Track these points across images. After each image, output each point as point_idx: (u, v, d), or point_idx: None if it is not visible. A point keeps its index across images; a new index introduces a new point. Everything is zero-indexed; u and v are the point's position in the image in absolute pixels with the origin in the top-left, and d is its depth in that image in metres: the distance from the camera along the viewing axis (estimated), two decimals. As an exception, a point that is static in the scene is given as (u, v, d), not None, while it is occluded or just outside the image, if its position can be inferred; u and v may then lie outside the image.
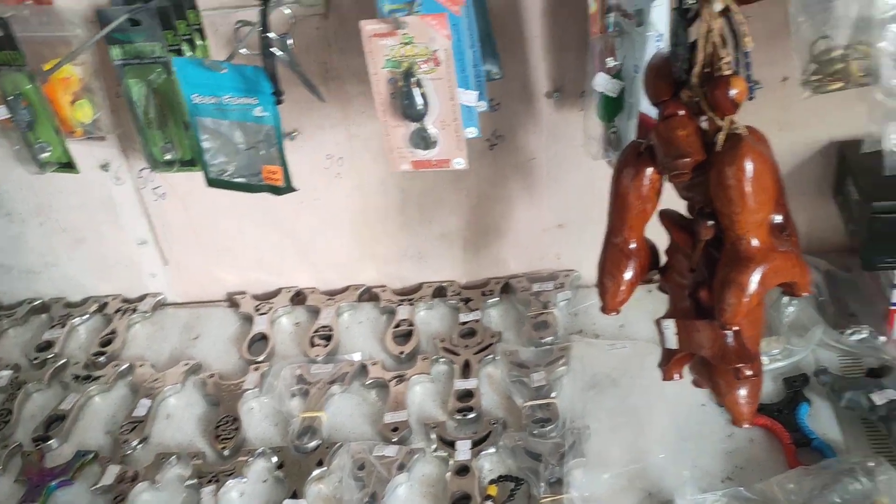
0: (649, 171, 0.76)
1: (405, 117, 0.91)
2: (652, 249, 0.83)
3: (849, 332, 1.08)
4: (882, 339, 1.06)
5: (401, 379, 1.15)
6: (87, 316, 1.38)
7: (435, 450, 1.05)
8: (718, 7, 0.66)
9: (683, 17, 0.70)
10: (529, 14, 1.06)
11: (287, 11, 0.99)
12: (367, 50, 0.88)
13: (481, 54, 0.99)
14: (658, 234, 0.82)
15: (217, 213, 1.28)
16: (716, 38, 0.68)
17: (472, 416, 1.08)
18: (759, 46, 0.92)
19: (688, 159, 0.71)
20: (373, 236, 1.30)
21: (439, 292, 1.31)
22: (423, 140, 0.92)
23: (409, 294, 1.32)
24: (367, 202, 1.26)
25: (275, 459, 1.06)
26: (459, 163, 0.93)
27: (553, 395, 1.08)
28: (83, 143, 1.16)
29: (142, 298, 1.39)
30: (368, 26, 0.86)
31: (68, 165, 1.13)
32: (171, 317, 1.37)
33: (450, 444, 1.04)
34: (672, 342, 0.81)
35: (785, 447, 0.96)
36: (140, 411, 1.16)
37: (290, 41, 0.95)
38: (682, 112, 0.73)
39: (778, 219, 0.75)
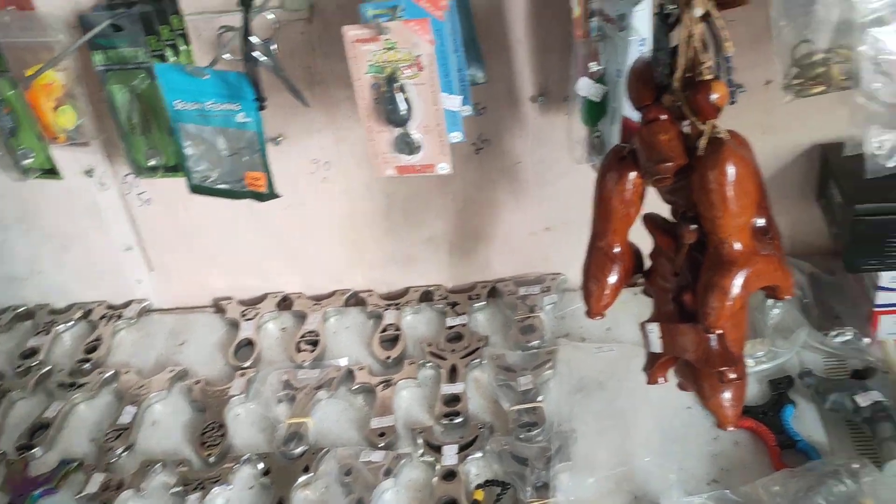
0: (632, 175, 0.77)
1: (389, 122, 0.90)
2: (636, 253, 0.83)
3: (833, 333, 1.08)
4: (866, 340, 1.07)
5: (387, 384, 1.15)
6: (72, 323, 1.37)
7: (421, 455, 1.04)
8: (699, 12, 0.67)
9: (664, 22, 0.70)
10: (514, 18, 1.06)
11: (270, 16, 0.99)
12: (349, 55, 0.88)
13: (466, 59, 0.99)
14: (642, 238, 0.82)
15: (203, 219, 1.28)
16: (696, 43, 0.68)
17: (458, 420, 1.08)
18: (742, 50, 0.93)
19: (670, 164, 0.71)
20: (359, 241, 1.30)
21: (426, 297, 1.31)
22: (407, 145, 0.92)
23: (395, 298, 1.31)
24: (353, 207, 1.26)
25: (261, 466, 1.06)
26: (444, 168, 0.93)
27: (540, 398, 1.08)
28: (66, 149, 1.16)
29: (127, 304, 1.38)
30: (351, 32, 0.86)
31: (51, 172, 1.13)
32: (156, 323, 1.36)
33: (436, 449, 1.04)
34: (656, 346, 0.81)
35: (770, 449, 0.96)
36: (125, 418, 1.15)
37: (273, 46, 0.95)
38: (664, 116, 0.73)
39: (760, 222, 0.75)
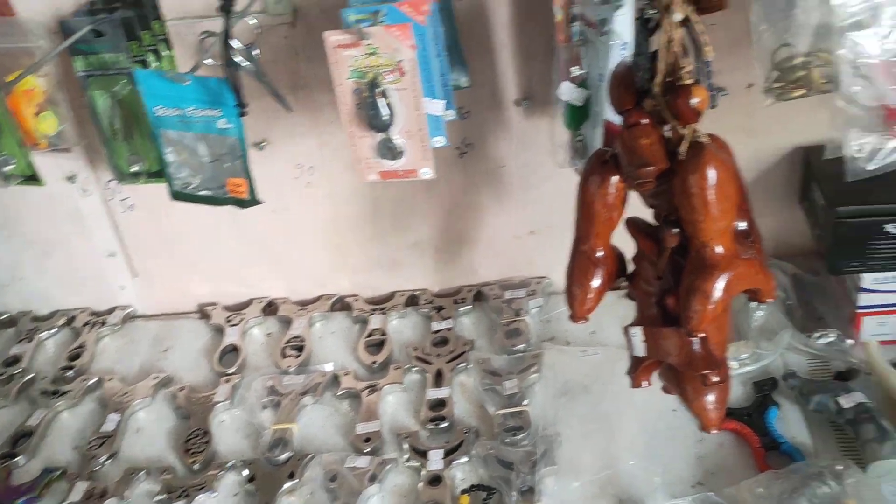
0: (615, 179, 0.77)
1: (371, 128, 0.90)
2: (619, 257, 0.83)
3: (816, 335, 1.09)
4: (849, 342, 1.08)
5: (373, 389, 1.15)
6: (55, 330, 1.36)
7: (407, 460, 1.04)
8: (678, 17, 0.67)
9: (645, 27, 0.70)
10: (497, 22, 1.07)
11: (253, 21, 0.98)
12: (331, 61, 0.88)
13: (449, 63, 0.99)
14: (625, 242, 0.82)
15: (187, 224, 1.27)
16: (676, 48, 0.68)
17: (444, 425, 1.08)
18: (724, 54, 0.93)
19: (651, 168, 0.71)
20: (343, 245, 1.29)
21: (412, 301, 1.31)
22: (389, 150, 0.92)
23: (381, 303, 1.31)
24: (338, 211, 1.26)
25: (246, 472, 1.06)
26: (426, 173, 0.93)
27: (525, 402, 1.08)
28: (48, 155, 1.15)
29: (111, 311, 1.37)
30: (332, 37, 0.86)
31: (32, 178, 1.11)
32: (140, 329, 1.35)
33: (422, 454, 1.04)
34: (640, 349, 0.81)
35: (754, 451, 0.97)
36: (109, 426, 1.15)
37: (256, 51, 0.94)
38: (645, 121, 0.73)
39: (742, 225, 0.75)
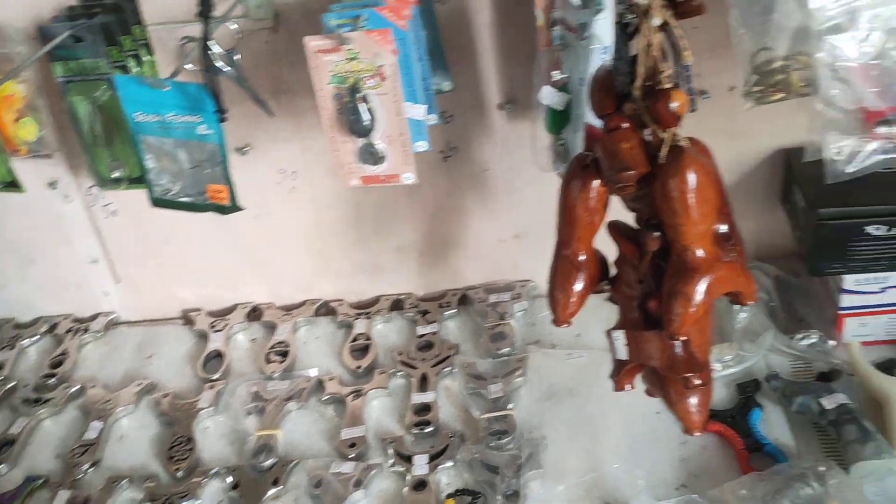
0: (596, 183, 0.77)
1: (352, 133, 0.90)
2: (601, 261, 0.83)
3: (799, 336, 1.09)
4: (831, 343, 1.08)
5: (358, 394, 1.14)
6: (38, 337, 1.35)
7: (392, 465, 1.04)
8: (657, 22, 0.67)
9: (624, 32, 0.70)
10: (479, 26, 1.07)
11: (233, 26, 0.98)
12: (311, 66, 0.87)
13: (431, 67, 0.99)
14: (607, 246, 0.82)
15: (169, 230, 1.26)
16: (656, 52, 0.68)
17: (429, 429, 1.08)
18: (705, 56, 0.94)
19: (632, 172, 0.71)
20: (328, 250, 1.29)
21: (396, 305, 1.31)
22: (371, 155, 0.92)
23: (366, 308, 1.31)
24: (321, 216, 1.25)
25: (230, 479, 1.05)
26: (409, 178, 0.93)
27: (510, 406, 1.08)
28: (29, 162, 1.14)
29: (94, 318, 1.36)
30: (312, 42, 0.86)
31: (12, 185, 1.10)
32: (124, 336, 1.34)
33: (407, 459, 1.04)
34: (622, 353, 0.81)
35: (738, 453, 0.97)
36: (91, 434, 1.14)
37: (237, 56, 0.94)
38: (625, 125, 0.73)
39: (723, 229, 0.75)
